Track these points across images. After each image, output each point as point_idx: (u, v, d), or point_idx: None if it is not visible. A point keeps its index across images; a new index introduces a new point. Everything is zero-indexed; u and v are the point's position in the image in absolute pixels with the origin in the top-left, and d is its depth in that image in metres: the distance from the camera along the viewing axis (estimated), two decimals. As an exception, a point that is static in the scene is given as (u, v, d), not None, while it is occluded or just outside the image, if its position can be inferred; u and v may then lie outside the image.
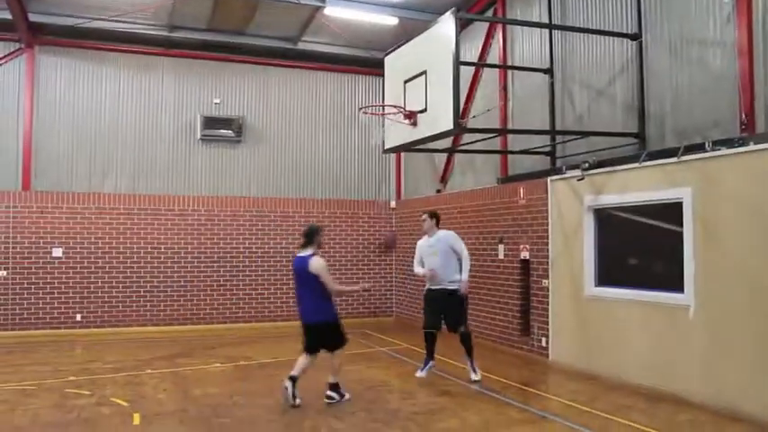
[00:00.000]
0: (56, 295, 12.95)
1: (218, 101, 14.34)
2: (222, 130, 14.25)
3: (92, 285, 13.17)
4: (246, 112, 14.59)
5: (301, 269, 7.45)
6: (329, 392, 7.58)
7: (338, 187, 15.23)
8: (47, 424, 6.78)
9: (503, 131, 11.42)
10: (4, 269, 12.64)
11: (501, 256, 11.34)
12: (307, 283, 7.42)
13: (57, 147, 13.31)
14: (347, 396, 7.67)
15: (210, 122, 14.14)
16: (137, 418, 6.90)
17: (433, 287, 8.83)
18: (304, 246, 7.56)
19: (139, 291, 13.45)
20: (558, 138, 10.46)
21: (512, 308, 11.04)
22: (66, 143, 13.38)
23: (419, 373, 8.83)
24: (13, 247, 12.70)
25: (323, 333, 7.47)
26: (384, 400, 7.90)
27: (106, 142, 13.65)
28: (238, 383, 8.73)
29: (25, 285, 12.76)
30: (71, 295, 13.04)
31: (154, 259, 13.60)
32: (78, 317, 13.04)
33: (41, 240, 12.92)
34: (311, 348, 7.54)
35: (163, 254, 13.64)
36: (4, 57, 12.99)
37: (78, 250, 13.15)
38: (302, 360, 7.51)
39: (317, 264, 7.34)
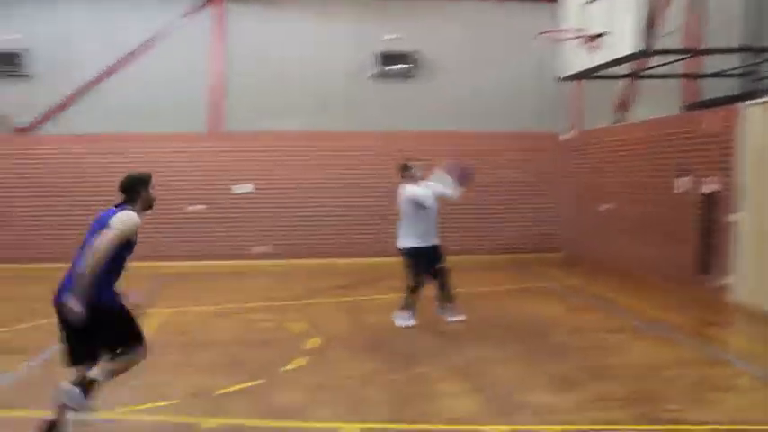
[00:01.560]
0: (246, 229, 14.02)
1: (394, 36, 14.34)
2: (397, 66, 14.34)
3: (279, 219, 14.05)
4: (421, 47, 14.51)
5: (100, 225, 4.54)
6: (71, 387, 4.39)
7: (510, 119, 14.84)
8: (231, 342, 7.46)
9: (695, 52, 10.37)
10: (202, 204, 13.86)
11: (681, 190, 10.56)
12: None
13: (244, 89, 14.09)
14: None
15: (386, 59, 14.27)
16: (314, 342, 7.37)
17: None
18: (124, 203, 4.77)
19: (319, 224, 14.14)
20: (760, 57, 9.35)
21: (688, 245, 10.31)
22: (251, 86, 14.11)
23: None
24: (204, 185, 13.90)
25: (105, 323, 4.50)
26: (551, 334, 7.81)
27: (287, 83, 14.23)
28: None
29: (219, 219, 13.92)
30: (261, 228, 14.03)
31: (335, 194, 14.15)
32: (267, 248, 14.03)
33: (231, 178, 13.98)
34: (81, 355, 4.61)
35: (343, 189, 14.16)
36: (194, 7, 13.95)
37: (265, 186, 14.07)
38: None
39: (124, 217, 4.55)
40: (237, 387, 5.74)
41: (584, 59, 9.27)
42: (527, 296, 10.23)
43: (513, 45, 14.52)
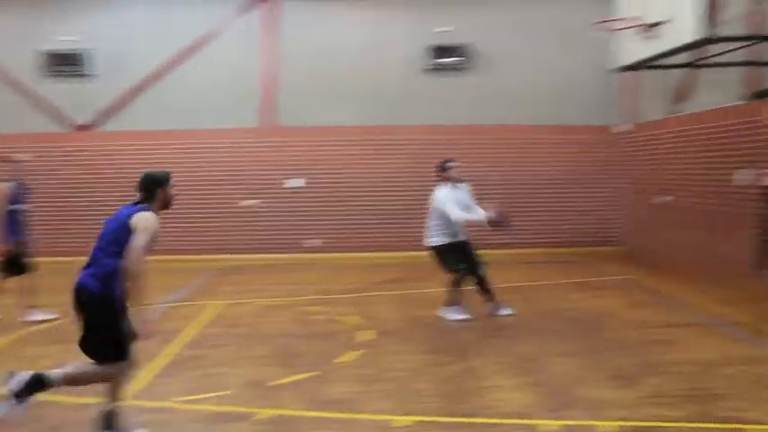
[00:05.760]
0: (298, 222, 14.16)
1: (446, 29, 14.23)
2: (450, 59, 14.24)
3: (331, 213, 14.17)
4: (474, 39, 14.33)
5: (117, 221, 4.51)
6: None
7: (563, 112, 14.60)
8: (285, 335, 7.56)
9: (759, 38, 9.89)
10: (256, 199, 14.06)
11: (740, 183, 10.24)
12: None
13: (296, 83, 14.19)
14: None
15: (438, 51, 14.16)
16: (367, 335, 7.42)
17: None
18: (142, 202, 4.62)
19: (371, 217, 14.21)
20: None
21: (747, 239, 9.99)
22: (303, 80, 14.21)
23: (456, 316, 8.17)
24: (258, 179, 14.10)
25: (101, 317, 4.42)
26: (609, 328, 7.69)
27: (338, 76, 14.29)
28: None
29: (272, 213, 14.10)
30: (312, 222, 14.18)
31: (387, 187, 14.19)
32: (319, 242, 14.18)
33: (283, 171, 14.14)
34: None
35: (395, 181, 14.18)
36: (247, 3, 14.17)
37: (318, 180, 14.20)
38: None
39: (146, 217, 4.45)
40: (291, 379, 5.81)
41: (640, 49, 9.10)
42: (585, 290, 10.09)
43: (566, 36, 14.27)
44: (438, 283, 10.38)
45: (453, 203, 7.90)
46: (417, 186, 14.07)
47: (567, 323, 7.99)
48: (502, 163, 14.30)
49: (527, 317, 8.18)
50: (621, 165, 14.44)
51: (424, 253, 12.86)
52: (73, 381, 4.44)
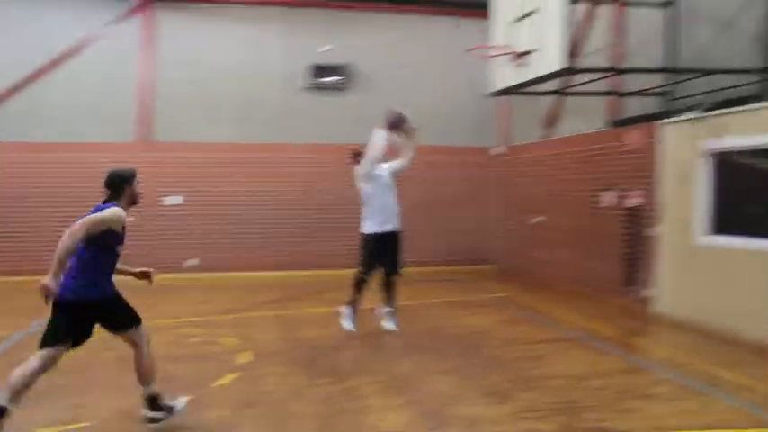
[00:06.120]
0: (176, 241, 13.73)
1: (327, 48, 14.30)
2: (330, 78, 14.35)
3: (208, 231, 13.86)
4: (354, 59, 14.58)
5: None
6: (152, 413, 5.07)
7: (443, 134, 14.99)
8: (162, 358, 7.24)
9: (616, 71, 10.80)
10: (131, 216, 13.45)
11: (605, 204, 10.92)
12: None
13: (172, 99, 13.89)
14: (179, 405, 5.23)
15: (318, 70, 14.27)
16: (245, 356, 7.26)
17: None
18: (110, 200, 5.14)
19: (251, 236, 14.02)
20: (676, 78, 9.82)
21: (614, 257, 10.65)
22: (181, 95, 13.93)
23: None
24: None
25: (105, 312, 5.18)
26: (484, 346, 7.90)
27: (217, 92, 14.11)
28: (338, 327, 8.93)
29: (149, 232, 13.55)
30: (190, 241, 13.80)
31: (267, 206, 14.10)
32: (196, 261, 13.79)
33: (161, 189, 13.66)
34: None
35: (275, 200, 14.12)
36: (123, 13, 13.68)
37: (196, 198, 13.85)
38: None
39: (109, 209, 4.96)
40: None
41: (512, 76, 9.52)
42: (464, 308, 10.35)
43: (445, 59, 14.71)
44: (318, 303, 10.40)
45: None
46: (300, 205, 14.11)
47: (446, 341, 8.16)
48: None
49: (407, 335, 8.28)
50: (498, 186, 15.01)
51: (304, 273, 12.91)
52: (151, 367, 5.17)
